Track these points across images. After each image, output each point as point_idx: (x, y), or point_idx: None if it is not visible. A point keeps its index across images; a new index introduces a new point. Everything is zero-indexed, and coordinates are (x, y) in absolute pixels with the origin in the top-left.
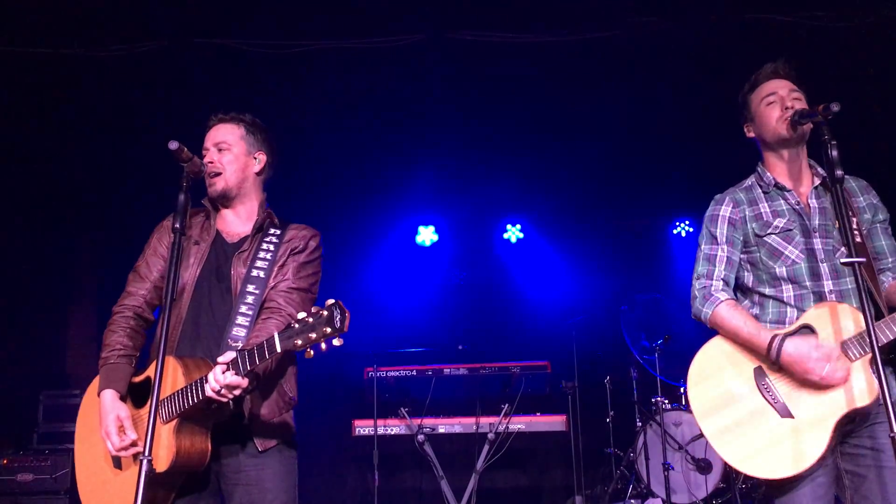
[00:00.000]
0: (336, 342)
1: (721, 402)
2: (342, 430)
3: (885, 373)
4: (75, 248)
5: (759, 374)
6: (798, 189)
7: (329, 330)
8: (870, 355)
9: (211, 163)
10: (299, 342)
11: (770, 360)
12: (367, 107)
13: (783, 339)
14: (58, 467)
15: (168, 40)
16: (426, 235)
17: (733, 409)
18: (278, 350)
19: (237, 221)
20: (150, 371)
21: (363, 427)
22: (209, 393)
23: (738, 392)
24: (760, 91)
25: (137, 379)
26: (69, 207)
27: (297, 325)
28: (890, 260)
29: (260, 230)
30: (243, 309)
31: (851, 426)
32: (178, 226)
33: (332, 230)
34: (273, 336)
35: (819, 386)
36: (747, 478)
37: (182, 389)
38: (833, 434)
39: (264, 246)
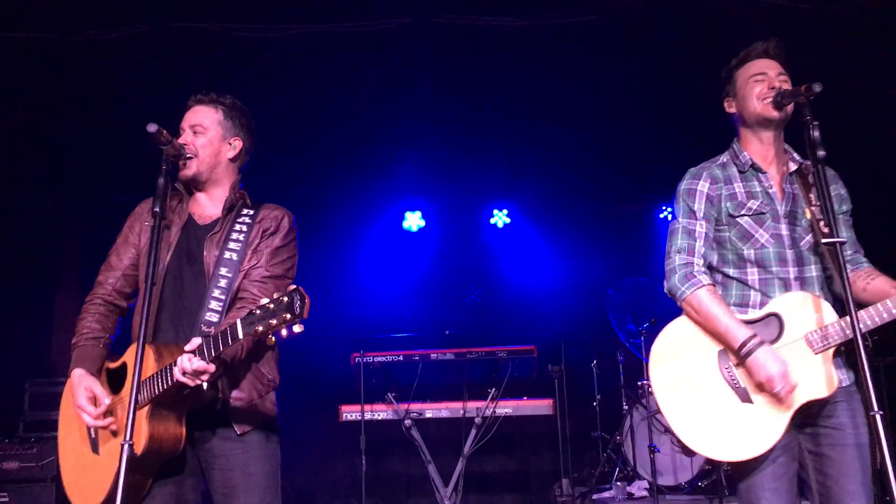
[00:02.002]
0: (297, 328)
1: (682, 382)
2: (329, 416)
3: (841, 363)
4: (60, 237)
5: (722, 356)
6: (773, 173)
7: (289, 316)
8: (832, 349)
9: (185, 145)
10: (260, 328)
11: (735, 353)
12: (352, 92)
13: (758, 345)
14: (44, 455)
15: (149, 24)
16: (413, 221)
17: (693, 390)
18: (240, 336)
19: (209, 204)
20: (127, 356)
21: (350, 412)
22: (178, 377)
23: (700, 373)
24: (749, 68)
25: (113, 365)
26: (54, 195)
27: (258, 312)
28: (848, 253)
29: (231, 210)
30: (216, 293)
31: (810, 411)
32: (157, 209)
33: (319, 216)
34: (235, 323)
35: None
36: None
37: (153, 375)
38: (790, 423)
39: (237, 227)
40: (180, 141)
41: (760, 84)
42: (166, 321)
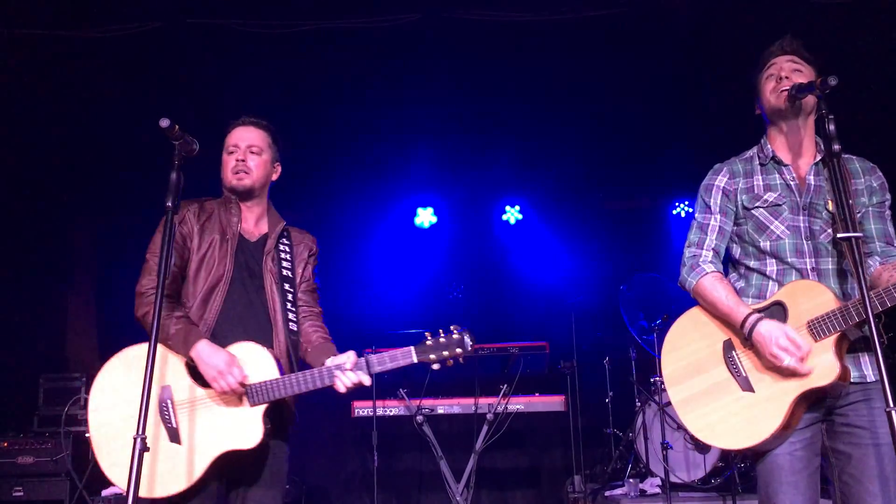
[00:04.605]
0: (460, 360)
1: (689, 372)
2: (341, 412)
3: (861, 359)
4: (74, 232)
5: (727, 347)
6: (797, 165)
7: (459, 350)
8: (835, 336)
9: (242, 160)
10: (433, 356)
11: (742, 336)
12: (364, 87)
13: (759, 319)
14: (58, 450)
15: (162, 21)
16: (425, 217)
17: (700, 380)
18: (414, 361)
19: (252, 220)
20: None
21: (362, 408)
22: (341, 388)
23: (706, 363)
24: (766, 69)
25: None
26: (67, 191)
27: (430, 342)
28: (878, 245)
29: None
30: (289, 306)
31: (832, 402)
32: (169, 204)
33: (331, 212)
34: (409, 350)
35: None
36: (745, 457)
37: (285, 379)
38: (790, 411)
39: (280, 246)
40: (237, 157)
41: (771, 78)
42: (237, 329)
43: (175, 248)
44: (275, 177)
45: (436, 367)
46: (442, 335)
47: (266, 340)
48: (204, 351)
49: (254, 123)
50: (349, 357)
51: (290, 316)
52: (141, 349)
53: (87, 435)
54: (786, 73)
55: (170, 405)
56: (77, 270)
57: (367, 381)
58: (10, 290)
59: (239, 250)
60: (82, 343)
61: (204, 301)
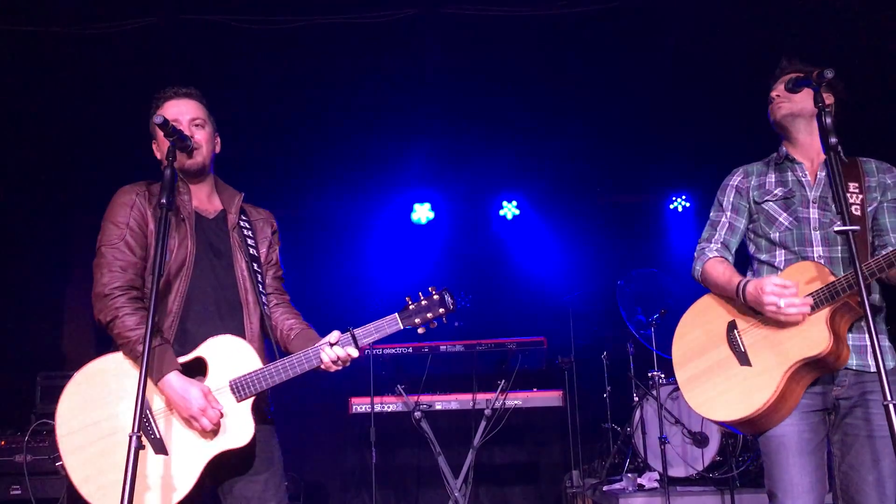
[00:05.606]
0: (444, 320)
1: (694, 354)
2: (339, 408)
3: (866, 349)
4: (71, 230)
5: (731, 327)
6: (810, 162)
7: (443, 310)
8: (828, 309)
9: (191, 136)
10: (418, 320)
11: (742, 304)
12: (361, 83)
13: (747, 282)
14: (56, 448)
15: (158, 17)
16: (422, 213)
17: (703, 360)
18: (400, 328)
19: (204, 198)
20: (202, 352)
21: (360, 405)
22: (328, 364)
23: (710, 344)
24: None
25: (183, 360)
26: (64, 189)
27: (413, 307)
28: (892, 237)
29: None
30: (260, 287)
31: (839, 391)
32: (164, 201)
33: (328, 208)
34: (394, 316)
35: (779, 337)
36: (744, 451)
37: (272, 367)
38: (783, 382)
39: (240, 223)
40: (185, 133)
41: (769, 103)
42: (208, 313)
43: (135, 238)
44: (217, 149)
45: (421, 330)
46: (422, 298)
47: (237, 323)
48: (175, 385)
49: (188, 94)
50: (333, 334)
51: (262, 297)
52: (103, 362)
53: (57, 464)
54: (773, 93)
55: (150, 415)
56: (75, 267)
57: (354, 353)
58: (7, 287)
59: (199, 229)
60: (80, 340)
61: (167, 287)
